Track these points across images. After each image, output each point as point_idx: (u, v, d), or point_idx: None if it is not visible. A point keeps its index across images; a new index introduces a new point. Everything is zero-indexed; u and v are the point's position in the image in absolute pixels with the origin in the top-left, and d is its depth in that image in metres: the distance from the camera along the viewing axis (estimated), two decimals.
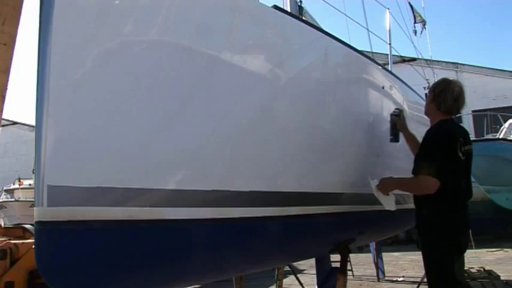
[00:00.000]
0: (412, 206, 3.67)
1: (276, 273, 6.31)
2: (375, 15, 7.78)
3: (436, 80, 3.85)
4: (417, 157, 3.45)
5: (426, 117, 3.73)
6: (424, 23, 10.64)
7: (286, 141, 2.89)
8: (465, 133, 3.51)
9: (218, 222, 2.47)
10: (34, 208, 1.90)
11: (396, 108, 4.08)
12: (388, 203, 3.57)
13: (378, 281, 8.70)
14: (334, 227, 3.64)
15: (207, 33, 2.39)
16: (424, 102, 4.08)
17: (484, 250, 11.31)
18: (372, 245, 9.01)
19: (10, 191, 19.97)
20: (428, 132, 3.48)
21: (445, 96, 3.42)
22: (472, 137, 16.65)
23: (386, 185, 3.49)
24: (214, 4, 2.47)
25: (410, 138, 4.03)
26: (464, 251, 3.38)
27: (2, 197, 19.87)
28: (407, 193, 3.95)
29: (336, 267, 4.08)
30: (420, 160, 3.34)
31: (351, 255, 4.87)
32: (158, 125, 2.18)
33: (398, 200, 4.02)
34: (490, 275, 7.44)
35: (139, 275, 2.25)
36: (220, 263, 2.73)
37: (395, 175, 3.67)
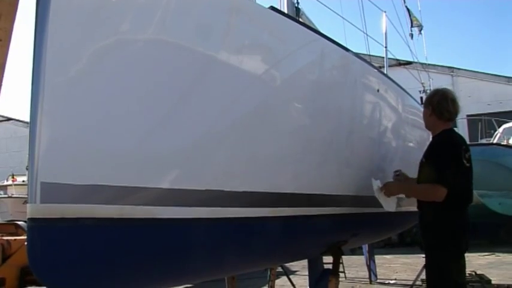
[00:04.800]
0: (405, 209, 3.69)
1: (269, 274, 6.31)
2: (371, 18, 7.80)
3: (430, 87, 3.93)
4: (424, 165, 3.51)
5: (421, 121, 3.76)
6: (420, 27, 10.68)
7: (281, 143, 2.89)
8: (465, 141, 3.61)
9: (211, 222, 2.47)
10: (27, 205, 1.90)
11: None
12: (389, 204, 3.68)
13: (370, 283, 8.71)
14: (328, 228, 3.64)
15: (203, 33, 2.39)
16: (418, 106, 4.09)
17: (476, 254, 11.35)
18: (365, 248, 9.02)
19: (3, 187, 19.90)
20: (434, 142, 3.56)
21: (446, 104, 3.51)
22: (466, 141, 16.68)
23: (391, 190, 3.63)
24: (211, 4, 2.47)
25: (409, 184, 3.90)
26: (465, 252, 3.43)
27: None
28: (401, 196, 3.97)
29: (329, 269, 4.09)
30: (429, 169, 3.38)
31: (343, 257, 4.88)
32: (152, 123, 2.18)
33: None
34: (482, 279, 7.47)
35: (131, 273, 2.25)
36: (212, 262, 2.73)
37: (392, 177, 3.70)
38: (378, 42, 6.83)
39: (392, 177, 3.89)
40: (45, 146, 1.87)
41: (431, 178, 3.29)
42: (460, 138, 3.59)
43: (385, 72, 6.34)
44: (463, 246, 3.39)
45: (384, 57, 7.57)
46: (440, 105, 3.52)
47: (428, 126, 3.73)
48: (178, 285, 2.96)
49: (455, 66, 22.71)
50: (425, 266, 3.57)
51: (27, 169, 1.94)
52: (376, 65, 4.72)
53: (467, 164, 3.42)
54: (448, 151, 3.39)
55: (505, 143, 13.95)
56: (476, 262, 10.06)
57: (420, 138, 5.08)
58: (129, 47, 2.12)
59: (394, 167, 4.03)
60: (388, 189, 3.63)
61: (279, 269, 7.31)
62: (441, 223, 3.34)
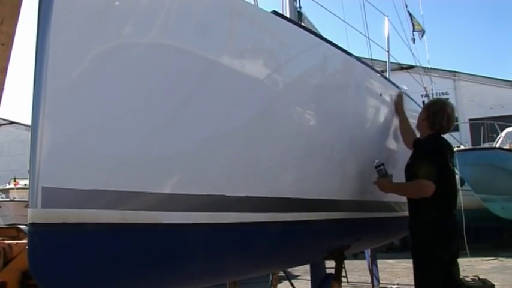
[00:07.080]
0: (407, 213, 3.68)
1: (271, 278, 6.28)
2: (374, 23, 7.78)
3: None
4: (411, 165, 3.58)
5: None
6: (422, 32, 10.68)
7: (283, 147, 2.88)
8: (451, 146, 3.69)
9: (213, 227, 2.45)
10: (28, 209, 1.89)
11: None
12: None
13: (373, 287, 8.68)
14: (330, 233, 3.63)
15: (205, 37, 2.38)
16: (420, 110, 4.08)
17: (479, 259, 11.30)
18: (367, 252, 8.97)
19: (5, 191, 19.89)
20: (420, 143, 3.65)
21: (440, 118, 3.60)
22: (469, 145, 16.71)
23: (383, 187, 3.65)
24: (213, 8, 2.47)
25: (404, 121, 4.23)
26: (457, 257, 3.42)
27: None
28: (402, 201, 3.96)
29: (331, 274, 4.08)
30: (416, 166, 3.46)
31: (345, 261, 4.87)
32: (154, 128, 2.17)
33: (393, 208, 4.01)
34: (485, 284, 7.43)
35: (132, 278, 2.24)
36: (214, 268, 2.72)
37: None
38: (380, 46, 6.80)
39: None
40: (47, 150, 1.86)
41: (419, 175, 3.34)
42: (447, 142, 3.66)
43: (388, 76, 6.32)
44: (453, 250, 3.40)
45: (386, 62, 7.55)
46: (435, 116, 3.61)
47: (418, 127, 3.86)
48: None
49: (457, 70, 22.76)
50: (413, 270, 3.51)
51: (29, 173, 1.94)
52: (379, 69, 4.70)
53: (452, 167, 3.51)
54: (435, 151, 3.46)
55: (507, 147, 13.89)
56: (479, 267, 10.00)
57: None
58: (131, 51, 2.12)
59: (396, 172, 4.01)
60: (382, 187, 3.67)
61: (281, 274, 7.28)
62: (431, 227, 3.36)
